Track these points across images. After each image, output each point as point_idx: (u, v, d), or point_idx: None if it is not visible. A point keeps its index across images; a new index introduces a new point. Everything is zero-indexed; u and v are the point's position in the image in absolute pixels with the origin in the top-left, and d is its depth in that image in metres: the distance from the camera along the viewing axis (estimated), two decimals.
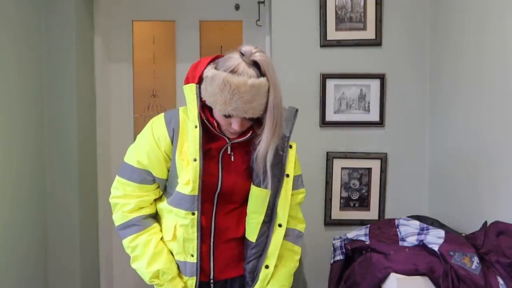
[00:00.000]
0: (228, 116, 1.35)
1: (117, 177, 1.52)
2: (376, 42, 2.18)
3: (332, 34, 2.17)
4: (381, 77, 2.18)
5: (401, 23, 2.19)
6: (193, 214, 1.43)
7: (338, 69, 2.19)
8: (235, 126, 1.36)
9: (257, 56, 1.32)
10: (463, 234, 1.70)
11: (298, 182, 1.57)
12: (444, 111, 2.04)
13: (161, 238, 1.51)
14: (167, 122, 1.48)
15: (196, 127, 1.41)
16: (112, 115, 2.49)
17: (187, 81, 1.44)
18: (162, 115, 1.52)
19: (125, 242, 1.49)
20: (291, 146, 1.50)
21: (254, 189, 1.47)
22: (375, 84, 2.19)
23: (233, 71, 1.31)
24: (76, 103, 2.20)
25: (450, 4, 1.99)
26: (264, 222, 1.49)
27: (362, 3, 2.18)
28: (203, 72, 1.38)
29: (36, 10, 2.11)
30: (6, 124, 1.88)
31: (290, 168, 1.49)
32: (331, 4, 2.17)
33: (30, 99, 2.07)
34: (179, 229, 1.46)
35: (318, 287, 2.20)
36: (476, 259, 1.47)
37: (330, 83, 2.19)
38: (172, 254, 1.50)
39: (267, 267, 1.49)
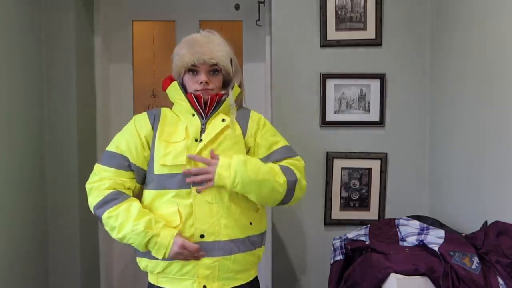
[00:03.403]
0: (194, 72, 1.58)
1: (96, 165, 1.62)
2: (376, 42, 2.18)
3: (332, 34, 2.17)
4: (381, 77, 2.18)
5: (401, 23, 2.19)
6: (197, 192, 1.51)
7: (338, 69, 2.19)
8: (202, 77, 1.57)
9: (210, 31, 1.64)
10: (463, 234, 1.69)
11: (289, 152, 1.66)
12: (444, 111, 2.04)
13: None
14: (149, 113, 1.65)
15: (193, 115, 1.59)
16: (112, 115, 2.49)
17: (167, 86, 1.64)
18: (144, 112, 1.68)
19: (105, 215, 1.49)
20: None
21: None
22: (375, 84, 2.19)
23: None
24: (76, 103, 2.20)
25: (451, 3, 1.99)
26: None
27: (362, 3, 2.18)
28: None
29: (35, 10, 2.11)
30: (6, 124, 1.88)
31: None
32: (331, 4, 2.17)
33: (30, 99, 2.07)
34: (186, 208, 1.49)
35: (318, 287, 2.20)
36: (476, 259, 1.47)
37: (330, 83, 2.19)
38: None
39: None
